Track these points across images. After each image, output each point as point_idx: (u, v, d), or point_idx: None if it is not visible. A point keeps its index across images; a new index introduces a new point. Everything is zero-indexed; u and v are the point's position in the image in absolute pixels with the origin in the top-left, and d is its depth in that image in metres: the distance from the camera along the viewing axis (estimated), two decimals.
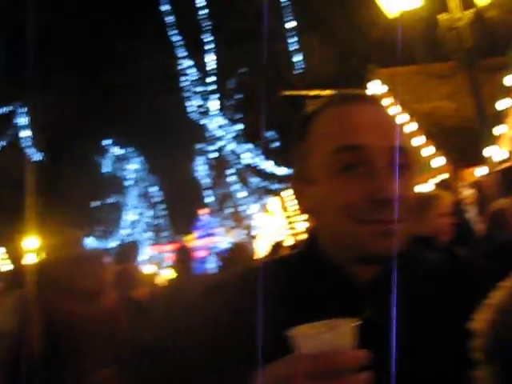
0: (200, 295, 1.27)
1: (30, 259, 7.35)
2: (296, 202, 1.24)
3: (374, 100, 1.22)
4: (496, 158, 8.17)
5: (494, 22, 7.57)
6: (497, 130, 8.14)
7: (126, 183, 39.13)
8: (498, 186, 7.98)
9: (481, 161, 8.32)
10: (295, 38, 20.25)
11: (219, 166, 29.06)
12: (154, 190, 39.28)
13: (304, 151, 1.19)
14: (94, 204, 36.91)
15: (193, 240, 39.47)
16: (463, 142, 8.64)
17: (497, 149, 8.17)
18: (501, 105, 8.07)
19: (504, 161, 8.17)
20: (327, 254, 1.16)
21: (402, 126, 1.19)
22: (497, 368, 0.90)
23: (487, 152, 8.15)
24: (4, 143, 25.62)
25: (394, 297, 1.04)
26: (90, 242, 38.65)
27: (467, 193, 8.65)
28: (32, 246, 10.52)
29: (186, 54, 25.41)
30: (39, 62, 22.38)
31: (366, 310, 1.08)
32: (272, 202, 22.59)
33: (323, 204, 1.14)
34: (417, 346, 1.06)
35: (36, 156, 26.15)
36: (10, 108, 25.87)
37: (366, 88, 11.75)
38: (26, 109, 26.07)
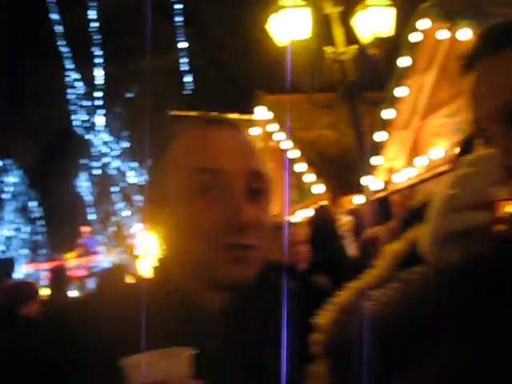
0: (68, 317, 1.19)
1: None
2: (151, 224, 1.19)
3: (234, 124, 1.21)
4: (372, 188, 8.52)
5: (375, 60, 7.95)
6: (374, 161, 8.51)
7: (3, 196, 37.22)
8: (373, 215, 8.31)
9: (358, 189, 8.64)
10: (186, 59, 20.29)
11: (103, 183, 28.32)
12: (33, 204, 37.61)
13: (160, 172, 1.16)
14: None
15: (73, 258, 38.06)
16: (343, 170, 8.97)
17: (373, 179, 8.53)
18: (378, 137, 8.46)
19: (379, 190, 8.54)
20: (177, 279, 1.12)
21: (260, 151, 1.20)
22: (334, 363, 0.93)
23: (364, 181, 8.48)
24: None
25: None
26: None
27: (345, 220, 8.94)
28: None
29: (73, 66, 24.71)
30: None
31: (213, 339, 1.06)
32: None
33: (177, 227, 1.11)
34: (263, 375, 1.04)
35: None
36: None
37: (253, 113, 11.94)
38: None
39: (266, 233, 1.12)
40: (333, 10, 8.29)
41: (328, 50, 8.39)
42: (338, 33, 8.33)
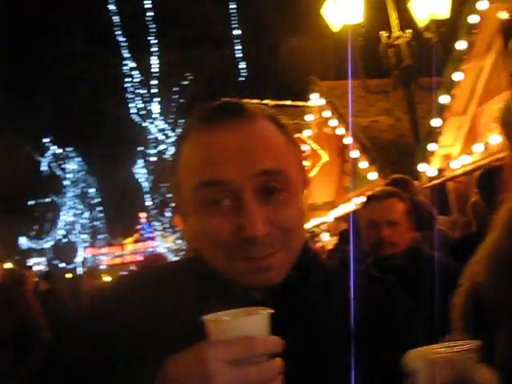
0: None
1: None
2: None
3: (247, 115, 1.08)
4: (428, 175, 8.39)
5: (431, 44, 7.76)
6: (429, 148, 8.35)
7: (64, 183, 38.23)
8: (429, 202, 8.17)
9: (414, 176, 8.51)
10: (240, 46, 20.29)
11: (160, 169, 28.70)
12: (92, 191, 38.54)
13: (175, 183, 1.13)
14: (29, 203, 36.02)
15: (130, 244, 38.87)
16: (397, 157, 8.84)
17: (428, 166, 8.38)
18: (434, 123, 8.29)
19: (435, 177, 8.39)
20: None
21: (287, 145, 1.11)
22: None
23: (420, 168, 8.35)
24: None
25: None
26: (23, 242, 37.62)
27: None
28: None
29: (129, 55, 25.08)
30: None
31: None
32: None
33: (197, 238, 1.08)
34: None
35: None
36: None
37: (308, 99, 11.88)
38: None
39: (295, 229, 1.06)
40: None
41: (382, 34, 8.27)
42: (393, 17, 8.19)
